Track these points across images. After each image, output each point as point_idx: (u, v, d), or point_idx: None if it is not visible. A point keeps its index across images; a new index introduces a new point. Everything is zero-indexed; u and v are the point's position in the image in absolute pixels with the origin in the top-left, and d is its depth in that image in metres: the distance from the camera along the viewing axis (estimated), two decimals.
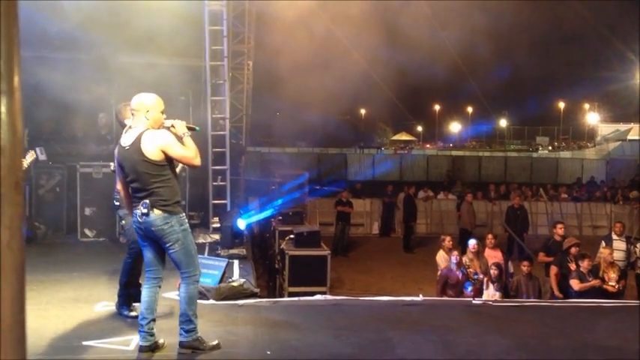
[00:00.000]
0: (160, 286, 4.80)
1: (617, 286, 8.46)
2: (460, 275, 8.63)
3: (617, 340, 5.53)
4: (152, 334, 4.68)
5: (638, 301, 7.91)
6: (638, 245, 10.16)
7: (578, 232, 16.70)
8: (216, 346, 4.77)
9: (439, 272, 9.09)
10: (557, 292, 8.59)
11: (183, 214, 4.75)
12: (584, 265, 8.32)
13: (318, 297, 7.08)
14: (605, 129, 48.01)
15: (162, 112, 4.76)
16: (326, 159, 31.01)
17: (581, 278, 8.26)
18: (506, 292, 8.81)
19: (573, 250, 8.84)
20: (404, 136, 57.74)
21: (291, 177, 13.11)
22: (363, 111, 60.88)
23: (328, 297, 7.22)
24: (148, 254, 4.76)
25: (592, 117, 55.12)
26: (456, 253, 8.96)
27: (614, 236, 10.17)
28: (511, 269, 9.87)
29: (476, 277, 8.75)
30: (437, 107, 66.42)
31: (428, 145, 55.58)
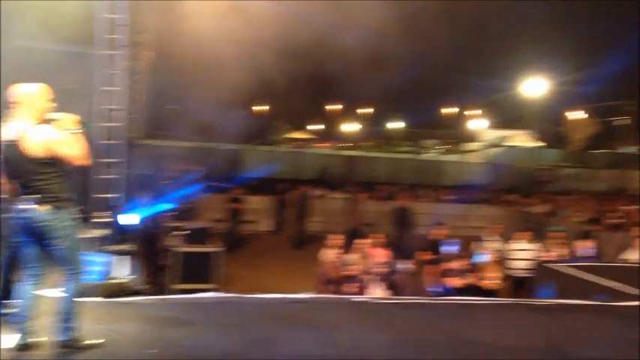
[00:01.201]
0: (40, 283, 4.67)
1: (493, 284, 9.02)
2: (345, 273, 8.89)
3: (490, 337, 5.90)
4: (32, 333, 4.55)
5: (511, 299, 8.49)
6: (512, 246, 10.86)
7: (459, 233, 17.52)
8: (100, 345, 4.71)
9: (324, 269, 9.32)
10: (435, 290, 9.04)
11: (73, 209, 4.63)
12: (462, 263, 8.81)
13: (206, 294, 7.11)
14: (489, 134, 50.50)
15: (49, 104, 4.62)
16: (221, 154, 30.73)
17: (459, 276, 8.74)
18: (389, 289, 9.16)
19: (453, 248, 9.34)
20: (301, 134, 58.18)
21: (184, 172, 12.97)
22: (262, 107, 60.79)
23: (217, 294, 7.26)
24: (29, 251, 4.62)
25: (478, 122, 57.85)
26: (341, 251, 9.22)
27: (492, 237, 10.81)
28: (395, 267, 10.25)
29: (360, 275, 9.04)
30: (334, 107, 67.40)
31: (323, 144, 56.25)
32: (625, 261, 9.40)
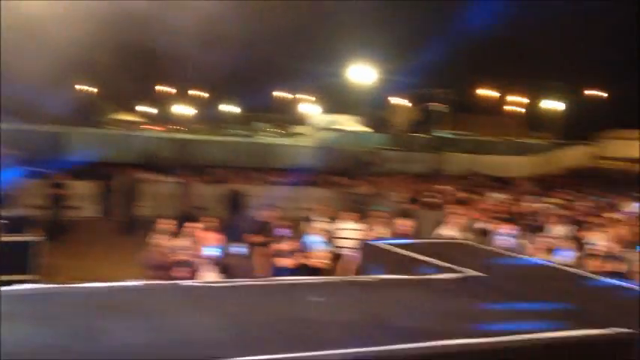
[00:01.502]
0: None
1: (322, 263, 9.36)
2: (176, 258, 8.78)
3: (318, 314, 6.08)
4: None
5: (339, 277, 8.85)
6: (339, 225, 11.33)
7: (289, 214, 17.93)
8: None
9: (153, 255, 9.14)
10: (265, 271, 9.21)
11: None
12: (292, 244, 9.05)
13: (24, 286, 6.66)
14: (320, 118, 51.97)
15: None
16: (41, 137, 28.82)
17: (289, 257, 8.97)
18: (221, 273, 9.18)
19: (283, 230, 9.56)
20: (130, 116, 56.07)
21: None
22: (87, 87, 57.47)
23: (36, 285, 6.83)
24: None
25: (310, 107, 59.27)
26: (171, 235, 9.09)
27: (320, 217, 11.20)
28: (229, 251, 10.29)
29: (191, 259, 8.97)
30: (166, 89, 65.53)
31: (155, 127, 54.58)
32: (440, 237, 10.16)
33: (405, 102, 54.05)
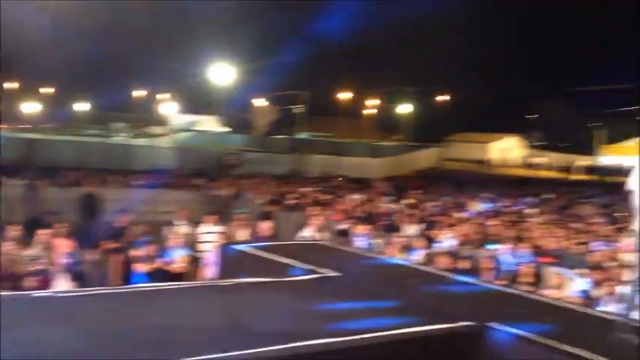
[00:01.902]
0: None
1: (181, 268, 9.19)
2: (25, 267, 8.26)
3: (176, 319, 5.95)
4: None
5: (199, 282, 8.73)
6: (200, 229, 11.17)
7: (147, 218, 17.43)
8: None
9: (2, 264, 8.54)
10: (119, 280, 8.90)
11: None
12: (149, 249, 8.81)
13: None
14: (179, 119, 50.95)
15: None
16: None
17: (147, 262, 8.73)
18: (75, 281, 8.75)
19: (140, 235, 9.28)
20: None
21: None
22: None
23: None
24: None
25: (169, 107, 57.91)
26: (19, 242, 8.55)
27: (180, 221, 10.99)
28: (81, 258, 9.82)
29: (43, 268, 8.48)
30: (10, 85, 61.24)
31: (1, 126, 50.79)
32: (300, 238, 10.32)
33: (265, 103, 54.37)
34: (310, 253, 7.78)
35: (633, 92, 55.74)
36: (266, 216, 11.87)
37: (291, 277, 6.35)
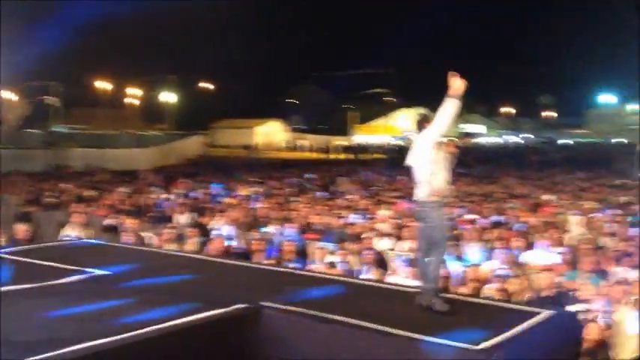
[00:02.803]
0: None
1: None
2: None
3: None
4: None
5: None
6: None
7: None
8: None
9: None
10: None
11: None
12: None
13: None
14: None
15: None
16: None
17: None
18: None
19: None
20: None
21: None
22: None
23: None
24: None
25: None
26: None
27: None
28: None
29: None
30: None
31: None
32: (64, 238, 9.73)
33: (13, 95, 49.83)
34: (75, 253, 7.42)
35: (380, 76, 60.88)
36: (23, 217, 10.98)
37: (55, 280, 5.98)
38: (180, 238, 10.20)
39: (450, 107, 5.00)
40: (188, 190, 17.24)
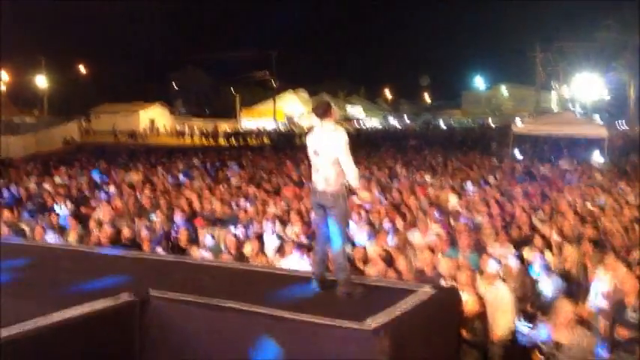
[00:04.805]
0: None
1: None
2: None
3: None
4: None
5: None
6: None
7: None
8: None
9: None
10: None
11: None
12: None
13: None
14: None
15: None
16: None
17: None
18: None
19: None
20: None
21: None
22: None
23: None
24: None
25: None
26: None
27: None
28: None
29: None
30: None
31: None
32: None
33: None
34: None
35: (260, 59, 60.61)
36: None
37: None
38: (60, 229, 9.82)
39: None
40: (68, 178, 16.52)
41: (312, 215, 5.47)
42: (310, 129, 5.39)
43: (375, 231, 9.44)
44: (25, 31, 57.46)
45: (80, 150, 33.59)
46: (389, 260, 7.58)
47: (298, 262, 7.60)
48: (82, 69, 65.12)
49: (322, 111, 5.21)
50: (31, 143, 36.65)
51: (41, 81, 54.71)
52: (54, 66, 56.34)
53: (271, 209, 11.39)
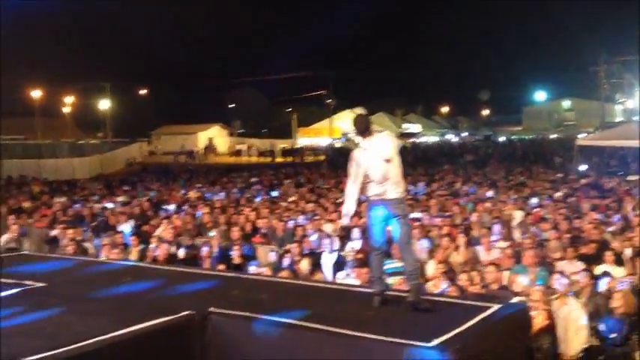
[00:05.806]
0: None
1: None
2: None
3: None
4: None
5: None
6: None
7: None
8: None
9: None
10: None
11: None
12: None
13: None
14: None
15: None
16: None
17: None
18: None
19: None
20: None
21: None
22: None
23: None
24: None
25: None
26: None
27: None
28: None
29: None
30: None
31: None
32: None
33: None
34: (10, 265, 7.11)
35: (316, 78, 61.08)
36: None
37: None
38: (123, 247, 9.95)
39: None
40: (130, 198, 16.83)
41: (371, 231, 5.27)
42: (358, 146, 5.22)
43: (435, 247, 9.22)
44: (88, 56, 59.54)
45: (143, 170, 34.38)
46: (451, 277, 7.36)
47: (356, 279, 7.45)
48: (142, 92, 66.92)
49: (364, 127, 5.10)
50: (95, 164, 37.74)
51: (104, 105, 56.31)
52: (116, 89, 57.99)
53: (329, 226, 11.26)
